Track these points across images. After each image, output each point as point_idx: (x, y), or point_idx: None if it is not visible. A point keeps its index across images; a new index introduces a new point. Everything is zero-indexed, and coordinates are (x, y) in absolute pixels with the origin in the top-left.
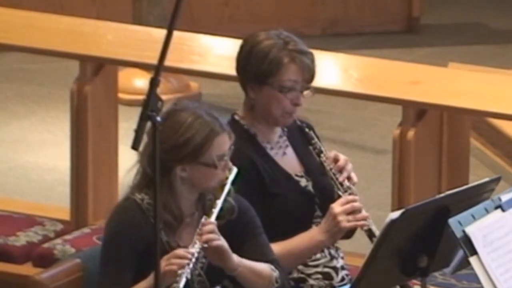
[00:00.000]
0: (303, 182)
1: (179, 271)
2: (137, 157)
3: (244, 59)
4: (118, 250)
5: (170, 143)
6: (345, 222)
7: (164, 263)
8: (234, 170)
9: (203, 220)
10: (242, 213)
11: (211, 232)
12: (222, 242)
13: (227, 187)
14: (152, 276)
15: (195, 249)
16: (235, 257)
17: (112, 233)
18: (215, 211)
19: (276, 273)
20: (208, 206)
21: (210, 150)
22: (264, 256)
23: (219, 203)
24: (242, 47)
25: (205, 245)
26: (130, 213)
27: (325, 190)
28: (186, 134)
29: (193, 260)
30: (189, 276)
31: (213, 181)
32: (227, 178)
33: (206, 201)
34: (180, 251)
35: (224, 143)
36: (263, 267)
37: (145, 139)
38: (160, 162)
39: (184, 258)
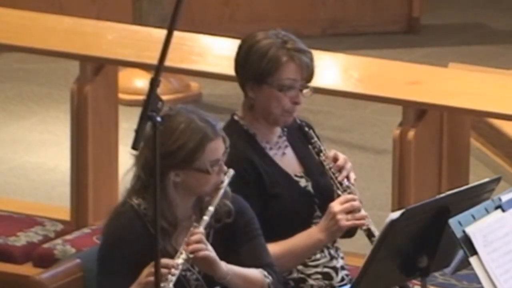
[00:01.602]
0: (303, 182)
1: (162, 284)
2: (133, 161)
3: (242, 59)
4: (115, 256)
5: (163, 149)
6: (344, 220)
7: (147, 272)
8: (231, 172)
9: (192, 228)
10: (240, 215)
11: (198, 242)
12: (209, 252)
13: (221, 192)
14: (135, 285)
15: (180, 260)
16: (224, 265)
17: (109, 239)
18: (206, 219)
19: (268, 280)
20: (202, 212)
21: (203, 156)
22: (260, 259)
23: (212, 209)
24: (240, 47)
25: (191, 256)
26: (127, 219)
27: (324, 190)
28: (179, 141)
29: (177, 272)
30: None
31: (206, 186)
32: (222, 182)
33: (203, 204)
34: (164, 261)
35: (218, 148)
36: (254, 274)
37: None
38: (154, 168)
39: (167, 269)
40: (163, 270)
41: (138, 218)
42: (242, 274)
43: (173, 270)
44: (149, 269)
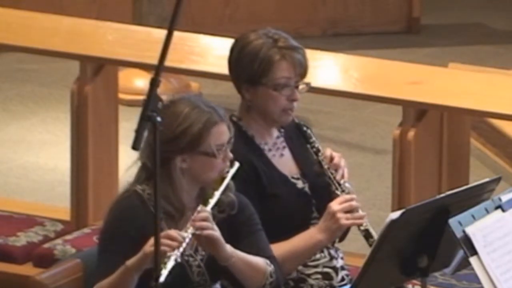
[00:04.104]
0: (300, 184)
1: (168, 253)
2: (138, 153)
3: (235, 61)
4: (117, 239)
5: (168, 134)
6: (344, 219)
7: (152, 242)
8: (236, 164)
9: (199, 208)
10: (241, 209)
11: (204, 220)
12: (214, 231)
13: (227, 179)
14: (139, 254)
15: (187, 234)
16: (228, 248)
17: (112, 222)
18: (212, 201)
19: (271, 268)
20: (206, 196)
21: (209, 139)
22: (262, 252)
23: (217, 194)
24: (232, 50)
25: (198, 232)
26: (130, 202)
27: (321, 191)
28: (183, 124)
29: (184, 244)
30: (178, 259)
31: (212, 172)
32: (227, 171)
33: (207, 198)
34: (172, 232)
35: (223, 133)
36: (258, 260)
37: (145, 134)
38: (159, 154)
39: (175, 240)
40: (169, 242)
41: (141, 202)
42: (246, 259)
43: (179, 243)
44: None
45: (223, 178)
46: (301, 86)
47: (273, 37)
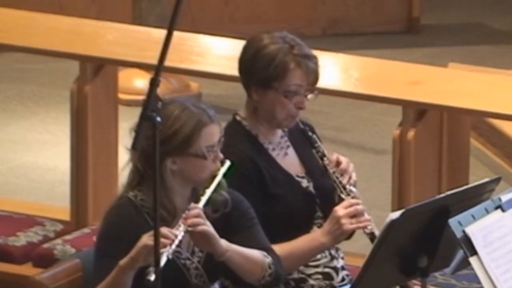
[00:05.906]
0: (304, 182)
1: (161, 250)
2: (129, 156)
3: (248, 62)
4: (112, 245)
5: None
6: (348, 225)
7: (147, 238)
8: (227, 163)
9: (190, 206)
10: (236, 205)
11: (196, 216)
12: (207, 227)
13: (218, 178)
14: (132, 252)
15: (179, 231)
16: (223, 242)
17: (107, 229)
18: (204, 198)
19: (268, 259)
20: (198, 195)
21: (199, 141)
22: (259, 245)
23: (208, 192)
24: (246, 50)
25: (190, 229)
26: (124, 209)
27: (325, 190)
28: (174, 126)
29: (176, 242)
30: (170, 256)
31: (203, 173)
32: (218, 170)
33: (198, 196)
34: (163, 230)
35: (213, 134)
36: (254, 253)
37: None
38: (150, 156)
39: (167, 238)
40: (163, 240)
41: (134, 208)
42: (242, 252)
43: (171, 241)
44: (147, 236)
45: (214, 176)
46: (309, 95)
47: (289, 43)
